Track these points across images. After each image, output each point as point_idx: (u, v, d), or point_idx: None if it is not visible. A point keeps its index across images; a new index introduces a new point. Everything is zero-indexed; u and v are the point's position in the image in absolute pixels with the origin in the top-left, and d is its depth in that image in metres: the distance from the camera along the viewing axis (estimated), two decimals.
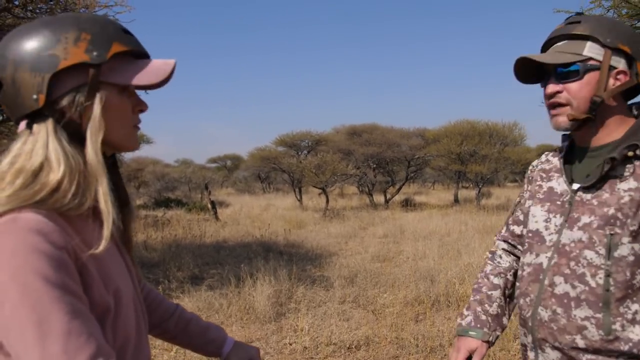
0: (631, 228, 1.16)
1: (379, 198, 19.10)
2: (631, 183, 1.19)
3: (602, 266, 1.17)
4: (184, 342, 1.24)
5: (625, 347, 1.15)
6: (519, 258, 1.52)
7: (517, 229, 1.51)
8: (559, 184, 1.34)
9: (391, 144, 18.67)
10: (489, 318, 1.45)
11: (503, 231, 1.59)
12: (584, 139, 1.31)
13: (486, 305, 1.47)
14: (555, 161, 1.40)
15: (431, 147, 17.90)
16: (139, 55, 0.93)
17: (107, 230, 0.82)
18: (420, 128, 20.62)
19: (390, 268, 7.08)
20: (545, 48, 1.33)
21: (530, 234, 1.36)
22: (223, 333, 1.26)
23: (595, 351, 1.17)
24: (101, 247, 0.81)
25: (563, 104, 1.25)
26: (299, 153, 20.18)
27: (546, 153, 1.49)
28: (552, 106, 1.27)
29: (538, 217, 1.35)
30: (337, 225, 11.93)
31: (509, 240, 1.55)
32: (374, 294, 5.54)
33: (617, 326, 1.16)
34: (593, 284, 1.18)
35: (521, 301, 1.34)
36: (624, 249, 1.16)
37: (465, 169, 16.99)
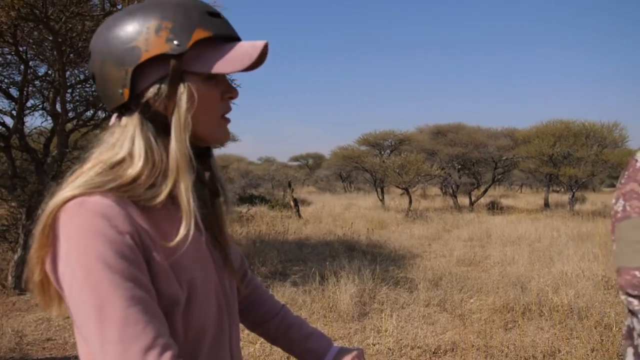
0: None
1: (463, 200, 18.56)
2: None
3: None
4: (284, 347, 1.17)
5: None
6: None
7: None
8: None
9: (477, 145, 18.10)
10: None
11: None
12: None
13: None
14: None
15: (520, 148, 17.14)
16: (226, 39, 0.85)
17: (184, 228, 0.79)
18: (508, 128, 19.84)
19: (477, 272, 6.84)
20: None
21: None
22: (325, 342, 1.16)
23: None
24: (174, 243, 0.77)
25: None
26: (382, 152, 20.03)
27: None
28: None
29: None
30: (420, 226, 11.71)
31: None
32: (459, 299, 5.37)
33: None
34: None
35: None
36: None
37: (558, 172, 16.04)
